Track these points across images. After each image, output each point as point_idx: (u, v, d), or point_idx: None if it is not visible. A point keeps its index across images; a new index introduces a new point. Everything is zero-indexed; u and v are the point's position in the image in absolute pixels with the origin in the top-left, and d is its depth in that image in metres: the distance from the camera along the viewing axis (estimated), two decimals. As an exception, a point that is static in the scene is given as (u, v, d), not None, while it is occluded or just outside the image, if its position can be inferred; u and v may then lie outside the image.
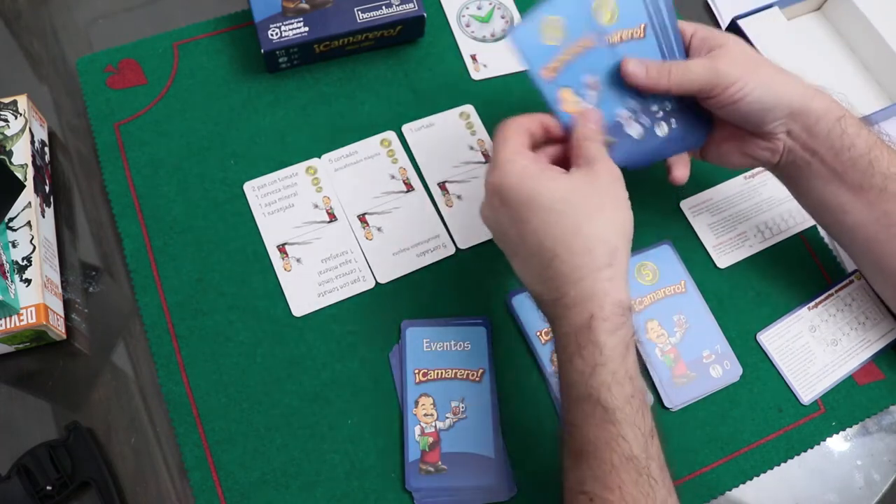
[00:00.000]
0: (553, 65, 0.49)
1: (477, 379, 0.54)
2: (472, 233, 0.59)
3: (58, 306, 0.54)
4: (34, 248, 0.53)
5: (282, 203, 0.59)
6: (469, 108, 0.64)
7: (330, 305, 0.56)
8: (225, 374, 0.53)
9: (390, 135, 0.63)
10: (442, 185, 0.61)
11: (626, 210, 0.46)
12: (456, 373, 0.54)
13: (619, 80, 0.51)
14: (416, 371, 0.54)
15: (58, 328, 0.53)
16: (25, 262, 0.52)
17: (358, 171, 0.61)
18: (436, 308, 0.57)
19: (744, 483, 0.53)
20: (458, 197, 0.61)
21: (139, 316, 0.55)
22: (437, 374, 0.54)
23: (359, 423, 0.53)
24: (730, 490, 0.53)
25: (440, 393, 0.53)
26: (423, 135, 0.63)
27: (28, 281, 0.52)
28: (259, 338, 0.55)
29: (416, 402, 0.53)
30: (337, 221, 0.59)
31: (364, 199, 0.60)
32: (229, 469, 0.51)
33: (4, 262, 0.51)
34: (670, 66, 0.50)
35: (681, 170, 0.54)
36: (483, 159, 0.62)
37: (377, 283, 0.57)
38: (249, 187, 0.60)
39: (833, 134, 0.50)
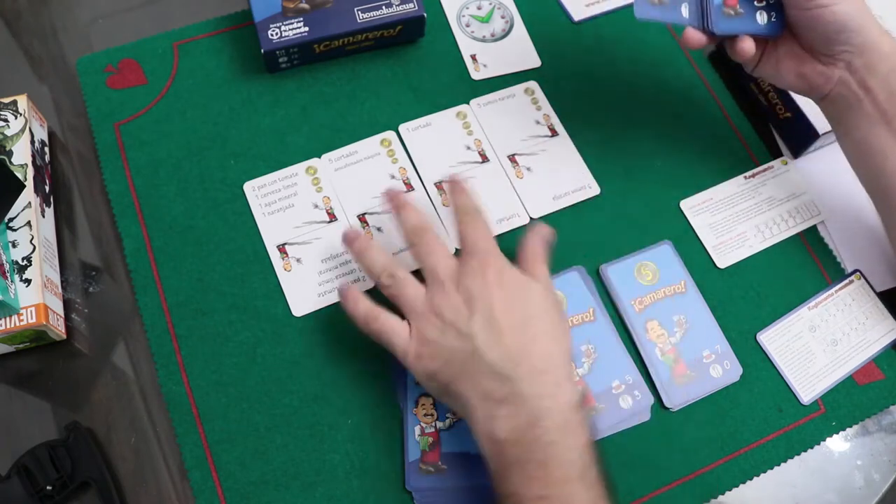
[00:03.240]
0: None
1: None
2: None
3: (58, 306, 0.54)
4: (34, 248, 0.53)
5: (282, 203, 0.59)
6: (466, 108, 0.64)
7: (330, 305, 0.56)
8: (225, 374, 0.53)
9: (390, 135, 0.63)
10: (438, 185, 0.61)
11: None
12: None
13: None
14: (416, 371, 0.54)
15: (58, 328, 0.53)
16: (25, 262, 0.52)
17: (358, 170, 0.61)
18: (436, 308, 0.57)
19: (744, 483, 0.53)
20: None
21: (139, 316, 0.55)
22: (437, 374, 0.54)
23: (359, 423, 0.53)
24: (730, 490, 0.53)
25: (440, 393, 0.53)
26: (419, 134, 0.63)
27: (28, 281, 0.52)
28: (259, 338, 0.55)
29: (417, 402, 0.53)
30: (337, 221, 0.59)
31: (364, 199, 0.60)
32: (229, 469, 0.51)
33: (4, 262, 0.51)
34: None
35: (748, 42, 0.54)
36: (480, 159, 0.62)
37: (377, 283, 0.57)
38: (249, 187, 0.60)
39: (892, 75, 0.51)
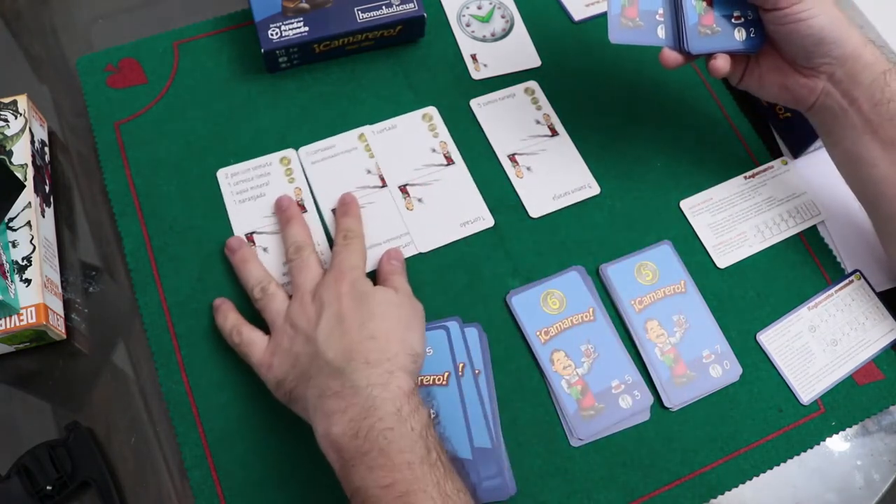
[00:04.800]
0: None
1: (444, 383, 0.53)
2: (433, 236, 0.59)
3: (58, 306, 0.54)
4: (34, 248, 0.53)
5: (253, 192, 0.59)
6: (431, 111, 0.64)
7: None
8: (225, 374, 0.53)
9: (366, 129, 0.62)
10: (403, 188, 0.60)
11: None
12: (422, 379, 0.53)
13: None
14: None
15: (58, 328, 0.53)
16: (25, 262, 0.52)
17: (335, 164, 0.60)
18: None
19: (744, 483, 0.53)
20: (420, 200, 0.60)
21: (139, 316, 0.55)
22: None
23: (359, 422, 0.53)
24: (730, 490, 0.53)
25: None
26: (385, 137, 0.62)
27: (28, 281, 0.52)
28: (259, 338, 0.55)
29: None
30: (307, 213, 0.58)
31: (341, 192, 0.59)
32: (229, 469, 0.51)
33: (4, 262, 0.51)
34: None
35: (721, 60, 0.54)
36: (445, 161, 0.62)
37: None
38: (223, 174, 0.60)
39: (875, 85, 0.51)
